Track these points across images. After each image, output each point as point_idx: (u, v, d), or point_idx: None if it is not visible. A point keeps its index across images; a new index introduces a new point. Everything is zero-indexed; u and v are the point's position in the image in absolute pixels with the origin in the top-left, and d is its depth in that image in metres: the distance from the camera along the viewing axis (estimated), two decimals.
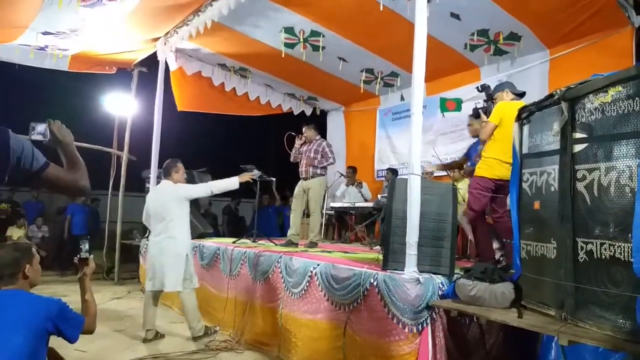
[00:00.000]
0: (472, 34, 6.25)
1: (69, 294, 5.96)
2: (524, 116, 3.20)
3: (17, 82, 11.03)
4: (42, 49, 7.30)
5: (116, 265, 8.30)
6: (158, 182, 7.81)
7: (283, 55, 6.78)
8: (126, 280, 8.18)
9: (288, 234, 6.15)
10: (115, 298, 6.69)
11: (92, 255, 2.59)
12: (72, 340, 2.30)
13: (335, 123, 10.13)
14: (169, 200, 4.67)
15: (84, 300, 2.48)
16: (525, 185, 3.12)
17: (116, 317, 5.54)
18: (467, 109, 7.50)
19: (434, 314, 3.15)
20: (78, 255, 2.59)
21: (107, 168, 8.89)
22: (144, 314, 4.68)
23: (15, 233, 9.21)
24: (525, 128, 3.19)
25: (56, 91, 11.81)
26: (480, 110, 4.59)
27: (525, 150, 3.16)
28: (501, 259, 4.50)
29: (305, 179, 6.03)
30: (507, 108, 4.12)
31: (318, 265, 3.94)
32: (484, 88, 4.71)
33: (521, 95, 4.39)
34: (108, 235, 8.79)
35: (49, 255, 9.44)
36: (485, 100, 4.70)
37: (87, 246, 2.61)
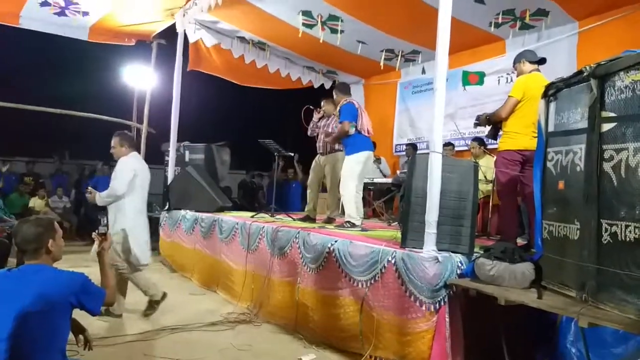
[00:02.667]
0: (497, 14, 6.11)
1: (90, 265, 6.11)
2: (551, 93, 3.10)
3: (38, 50, 11.08)
4: (62, 10, 7.23)
5: None
6: (179, 155, 7.92)
7: (300, 35, 6.69)
8: None
9: (305, 209, 6.16)
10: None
11: (110, 230, 2.63)
12: (94, 312, 2.36)
13: (355, 96, 9.98)
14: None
15: (103, 273, 2.53)
16: (549, 164, 3.04)
17: (135, 287, 5.64)
18: (490, 82, 7.37)
19: (452, 292, 3.14)
20: (97, 230, 2.63)
21: None
22: (148, 284, 4.57)
23: (37, 204, 9.42)
24: (552, 105, 3.09)
25: (76, 62, 11.86)
26: (485, 116, 4.45)
27: (551, 128, 3.07)
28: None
29: (323, 153, 5.99)
30: (529, 82, 4.01)
31: (336, 241, 3.95)
32: (478, 118, 4.59)
33: (540, 62, 4.22)
34: None
35: (71, 226, 9.66)
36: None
37: (105, 221, 2.66)
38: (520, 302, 2.74)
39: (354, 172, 5.13)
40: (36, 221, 2.36)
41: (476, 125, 4.62)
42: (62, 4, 7.05)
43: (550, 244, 2.99)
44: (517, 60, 4.29)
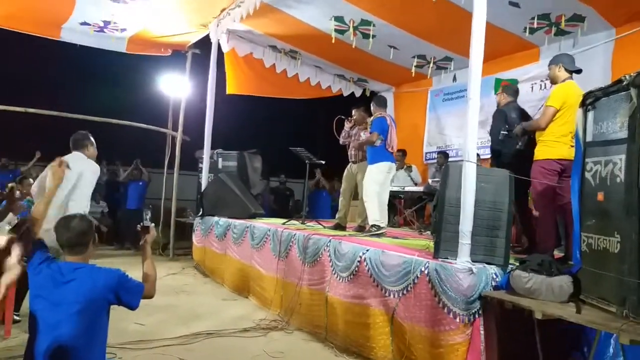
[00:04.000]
0: (532, 19, 6.00)
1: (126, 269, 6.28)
2: (589, 102, 3.04)
3: (75, 61, 11.44)
4: (101, 29, 7.54)
5: (171, 242, 8.63)
6: (212, 162, 8.05)
7: (333, 41, 6.74)
8: (180, 256, 8.51)
9: (336, 216, 6.18)
10: (170, 274, 6.97)
11: (153, 224, 2.72)
12: (133, 307, 2.40)
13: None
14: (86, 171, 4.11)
15: (144, 265, 2.59)
16: (588, 175, 2.98)
17: (172, 292, 5.79)
18: (524, 89, 7.21)
19: (486, 304, 3.09)
20: (141, 223, 2.71)
21: (163, 148, 9.20)
22: None
23: None
24: (590, 114, 3.03)
25: (114, 71, 12.25)
26: (520, 128, 4.39)
27: (589, 138, 3.00)
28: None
29: (354, 162, 6.02)
30: (568, 91, 3.94)
31: (367, 250, 3.95)
32: (507, 130, 4.58)
33: (576, 72, 4.13)
34: (163, 213, 9.14)
35: (108, 230, 9.91)
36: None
37: (149, 215, 2.75)
38: (558, 316, 2.68)
39: (376, 179, 5.31)
40: (81, 217, 2.43)
41: (505, 136, 4.55)
42: (101, 24, 7.35)
43: (589, 256, 2.92)
44: (554, 62, 4.17)
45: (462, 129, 3.39)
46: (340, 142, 6.24)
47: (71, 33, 7.60)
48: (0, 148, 9.43)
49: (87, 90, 12.69)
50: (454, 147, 8.24)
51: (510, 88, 5.09)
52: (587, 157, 3.01)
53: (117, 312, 2.44)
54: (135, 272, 2.61)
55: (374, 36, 6.81)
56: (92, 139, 4.27)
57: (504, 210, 3.36)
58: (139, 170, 10.09)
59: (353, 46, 7.03)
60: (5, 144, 9.78)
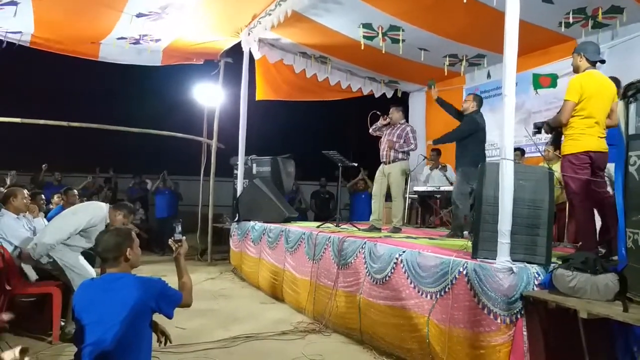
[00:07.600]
0: (567, 13, 5.84)
1: (167, 274, 6.43)
2: (631, 94, 2.94)
3: (114, 76, 11.85)
4: (136, 41, 7.78)
5: (209, 247, 8.79)
6: (247, 168, 8.15)
7: (362, 48, 6.75)
8: (218, 261, 8.65)
9: (370, 219, 6.16)
10: (209, 278, 7.10)
11: (184, 237, 2.79)
12: (169, 316, 2.48)
13: (417, 104, 9.91)
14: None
15: (179, 277, 2.69)
16: (632, 169, 2.87)
17: (210, 296, 5.89)
18: (564, 83, 6.98)
19: (529, 305, 3.02)
20: (172, 237, 2.79)
21: (198, 155, 9.40)
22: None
23: None
24: (632, 107, 2.92)
25: (149, 85, 12.62)
26: (546, 124, 4.24)
27: (632, 131, 2.90)
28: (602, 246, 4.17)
29: (386, 163, 5.97)
30: (584, 81, 3.78)
31: (404, 252, 3.91)
32: (536, 126, 4.39)
33: (600, 62, 3.98)
34: (200, 219, 9.31)
35: (149, 237, 10.18)
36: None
37: (179, 228, 2.82)
38: (605, 316, 2.59)
39: None
40: (116, 231, 2.55)
41: (535, 133, 4.42)
42: (137, 37, 7.58)
43: (635, 253, 2.81)
44: (578, 51, 4.00)
45: (500, 127, 3.32)
46: (370, 132, 6.21)
47: (109, 48, 7.86)
48: (48, 162, 9.85)
49: (125, 102, 13.13)
50: (496, 146, 8.06)
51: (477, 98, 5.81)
52: (631, 151, 2.91)
53: (158, 317, 2.51)
54: (173, 278, 2.70)
55: (403, 40, 6.78)
56: (125, 213, 4.33)
57: (543, 207, 3.28)
58: (163, 181, 10.51)
59: (383, 52, 7.02)
60: (52, 158, 10.21)
